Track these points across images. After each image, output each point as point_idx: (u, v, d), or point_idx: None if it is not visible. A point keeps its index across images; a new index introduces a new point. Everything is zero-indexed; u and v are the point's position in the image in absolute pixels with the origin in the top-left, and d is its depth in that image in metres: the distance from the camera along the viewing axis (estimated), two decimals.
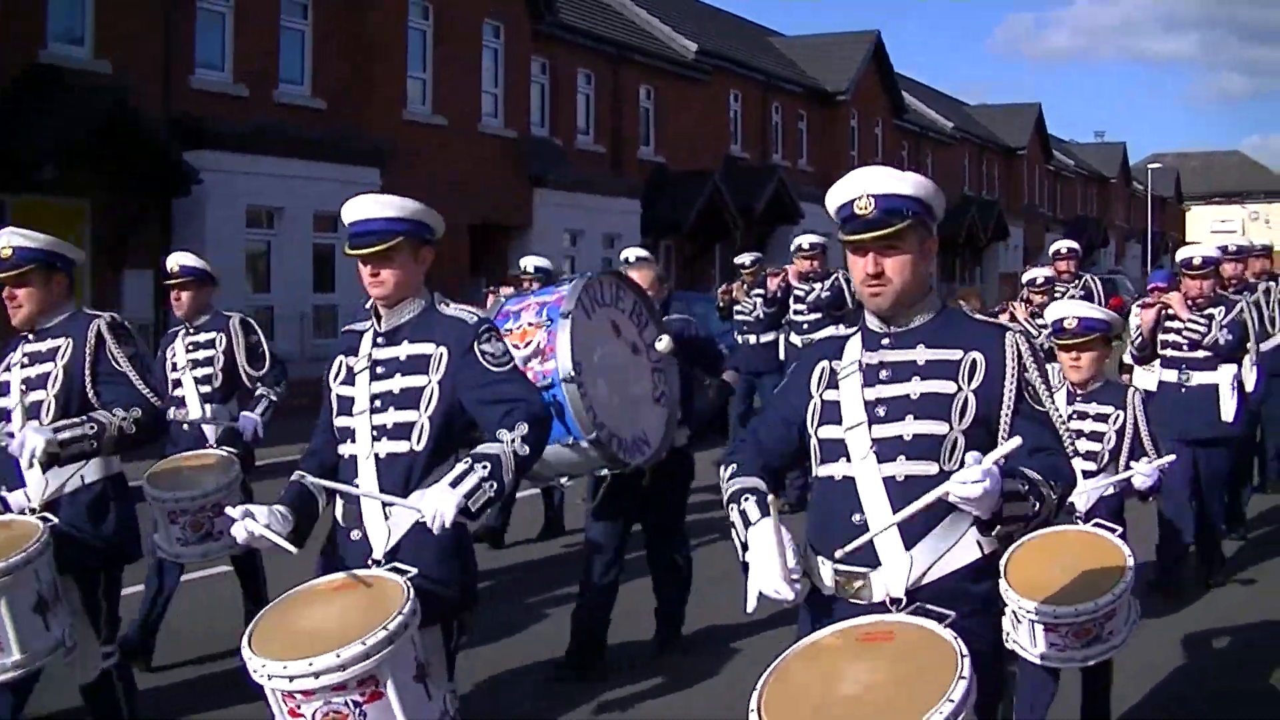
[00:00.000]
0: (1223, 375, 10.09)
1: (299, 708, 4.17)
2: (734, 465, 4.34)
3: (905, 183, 4.07)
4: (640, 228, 34.64)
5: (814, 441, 4.22)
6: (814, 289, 15.43)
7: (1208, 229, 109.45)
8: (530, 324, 7.38)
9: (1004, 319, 8.64)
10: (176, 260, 8.77)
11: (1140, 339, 10.37)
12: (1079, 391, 7.17)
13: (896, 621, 3.82)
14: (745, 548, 4.06)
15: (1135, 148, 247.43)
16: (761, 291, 15.96)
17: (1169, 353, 10.27)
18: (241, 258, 23.68)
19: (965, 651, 3.52)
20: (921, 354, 4.09)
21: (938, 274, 55.88)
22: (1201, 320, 9.97)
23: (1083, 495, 6.77)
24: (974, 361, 4.04)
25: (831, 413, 4.18)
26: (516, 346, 7.06)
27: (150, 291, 21.31)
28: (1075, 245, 15.54)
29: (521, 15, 30.98)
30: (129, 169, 20.51)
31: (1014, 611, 5.92)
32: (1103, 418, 7.08)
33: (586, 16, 36.16)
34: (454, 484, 4.52)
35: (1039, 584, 5.94)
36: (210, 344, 8.66)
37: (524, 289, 10.74)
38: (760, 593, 3.90)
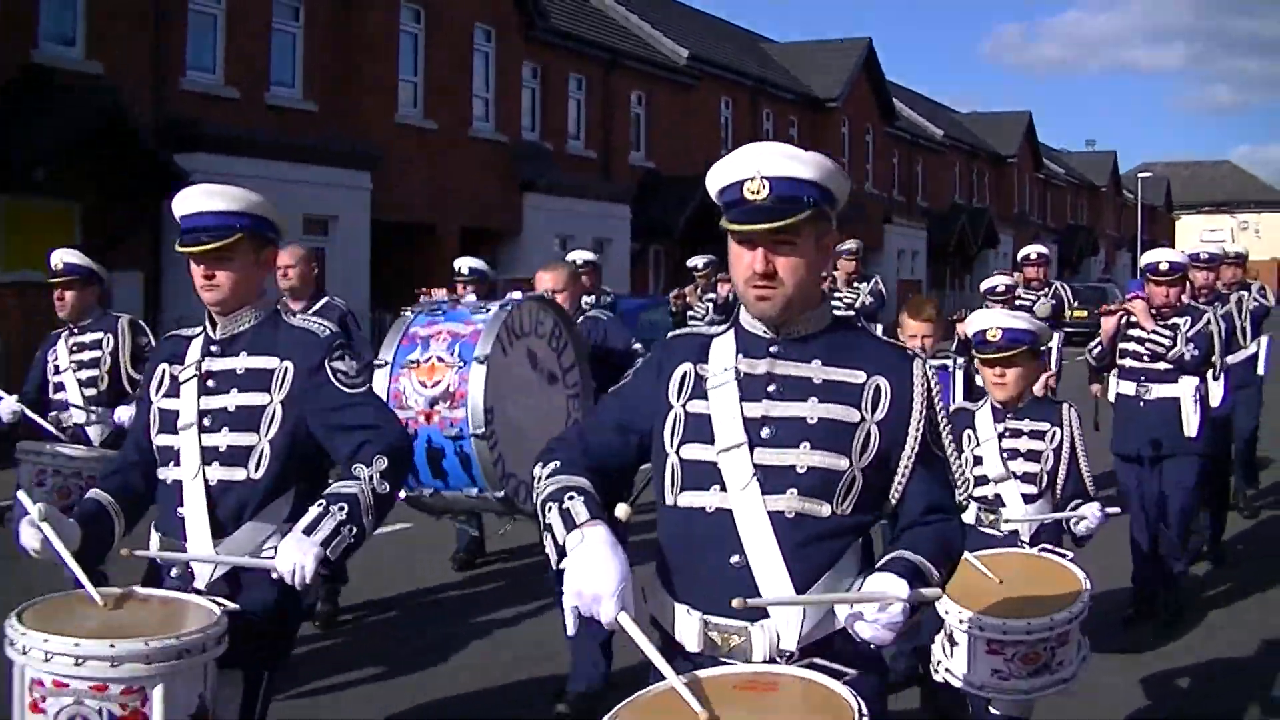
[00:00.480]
0: (1184, 388, 9.30)
1: (42, 701, 3.56)
2: (554, 463, 3.56)
3: (806, 164, 3.40)
4: (630, 233, 34.69)
5: (671, 462, 3.50)
6: (857, 292, 15.14)
7: (1197, 238, 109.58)
8: (439, 359, 6.64)
9: (960, 329, 8.38)
10: (60, 257, 8.40)
11: (1100, 348, 9.66)
12: (1008, 409, 6.51)
13: (781, 672, 3.23)
14: (561, 554, 3.32)
15: (1125, 157, 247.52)
16: (713, 296, 15.46)
17: (1128, 363, 9.48)
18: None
19: (865, 711, 2.94)
20: (819, 371, 3.45)
21: (929, 281, 56.01)
22: (1165, 331, 9.18)
23: (1025, 524, 6.40)
24: (878, 388, 3.43)
25: (698, 429, 3.48)
26: (423, 384, 6.58)
27: (141, 293, 21.31)
28: (1045, 251, 14.88)
29: (513, 20, 31.01)
30: (120, 171, 20.48)
31: (951, 631, 5.36)
32: (1038, 434, 6.46)
33: (578, 22, 36.19)
34: (308, 530, 4.01)
35: (984, 598, 5.35)
36: (96, 344, 8.37)
37: (459, 293, 10.47)
38: (579, 611, 3.22)
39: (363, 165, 25.92)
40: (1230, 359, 11.78)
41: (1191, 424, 9.28)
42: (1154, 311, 9.38)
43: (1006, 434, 6.49)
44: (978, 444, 6.56)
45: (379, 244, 26.51)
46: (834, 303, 13.38)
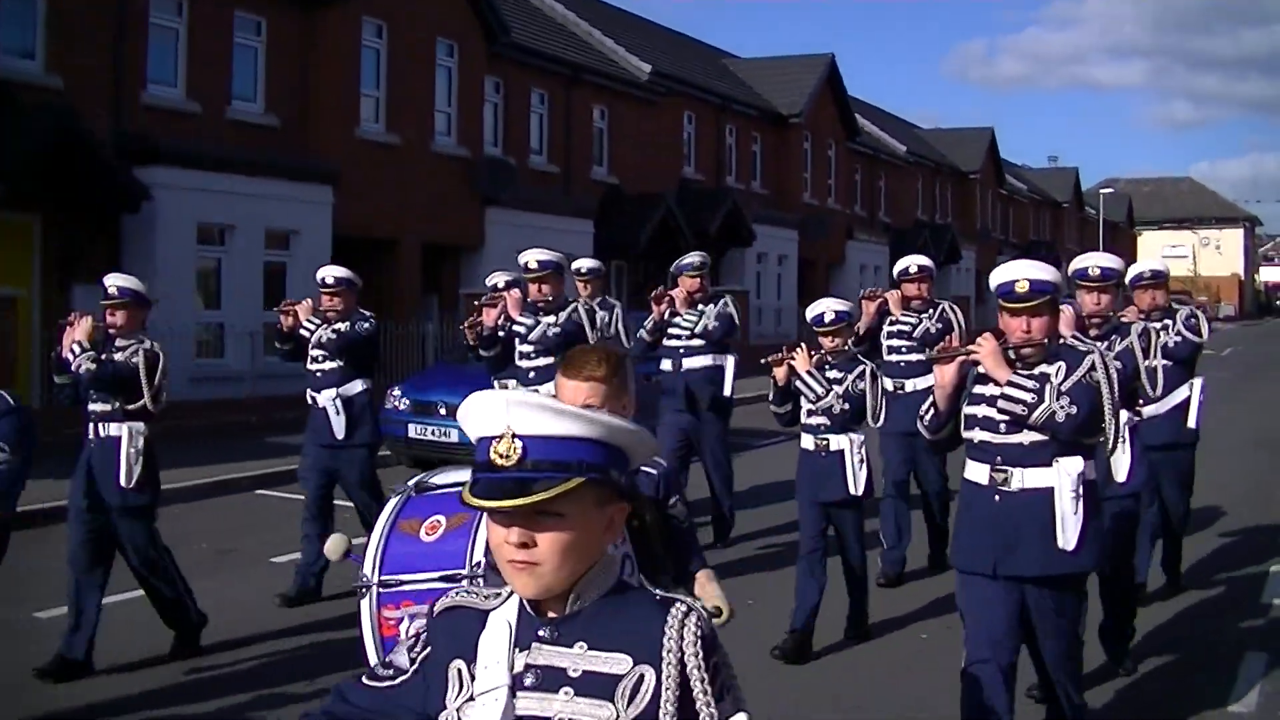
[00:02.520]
0: (1061, 475, 6.36)
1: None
2: None
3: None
4: (593, 248, 34.73)
5: None
6: (699, 316, 13.07)
7: (1159, 254, 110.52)
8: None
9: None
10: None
11: (931, 412, 6.80)
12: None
13: None
14: None
15: (1088, 173, 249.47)
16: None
17: (977, 435, 6.59)
18: (192, 275, 23.59)
19: None
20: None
21: (889, 288, 56.07)
22: (1028, 383, 6.36)
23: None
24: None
25: None
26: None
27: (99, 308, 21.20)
28: (927, 264, 12.53)
29: (475, 35, 31.00)
30: (79, 185, 20.43)
31: None
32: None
33: (541, 37, 36.23)
34: None
35: None
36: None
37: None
38: None
39: (324, 179, 25.90)
40: (1151, 410, 9.84)
41: (1069, 530, 6.35)
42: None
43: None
44: None
45: (340, 258, 26.42)
46: (673, 329, 13.12)
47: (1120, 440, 7.35)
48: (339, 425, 10.97)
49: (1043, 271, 6.44)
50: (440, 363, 23.41)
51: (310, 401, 11.22)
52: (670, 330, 13.19)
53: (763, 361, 9.56)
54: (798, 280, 46.97)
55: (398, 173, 28.18)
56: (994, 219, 74.64)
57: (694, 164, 43.22)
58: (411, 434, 17.68)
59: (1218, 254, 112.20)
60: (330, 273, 11.48)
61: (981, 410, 6.50)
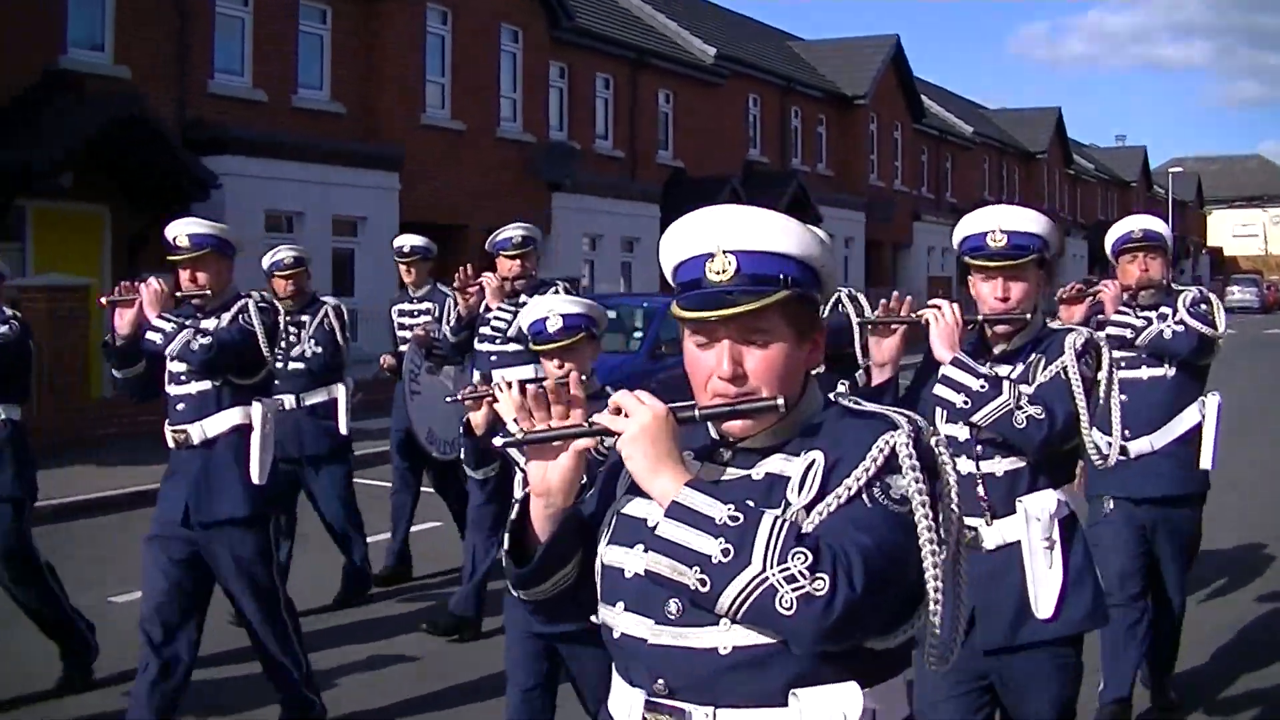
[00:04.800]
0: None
1: None
2: None
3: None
4: (659, 232, 34.60)
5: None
6: (513, 311, 9.60)
7: (1229, 233, 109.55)
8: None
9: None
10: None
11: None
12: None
13: None
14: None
15: (1155, 152, 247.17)
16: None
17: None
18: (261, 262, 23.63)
19: None
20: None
21: (958, 278, 55.79)
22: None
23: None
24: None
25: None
26: None
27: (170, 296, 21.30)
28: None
29: (539, 20, 30.96)
30: (148, 175, 20.51)
31: None
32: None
33: (604, 21, 36.14)
34: None
35: None
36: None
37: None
38: None
39: (390, 166, 25.92)
40: (1140, 445, 7.23)
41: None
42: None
43: None
44: None
45: None
46: (484, 328, 9.94)
47: (1047, 550, 5.02)
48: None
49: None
50: None
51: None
52: (481, 330, 10.14)
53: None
54: (865, 262, 46.70)
55: (463, 159, 28.17)
56: (1061, 199, 74.06)
57: (759, 147, 43.03)
58: None
59: None
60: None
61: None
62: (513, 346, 9.75)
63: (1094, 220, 77.46)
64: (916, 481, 2.65)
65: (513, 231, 10.12)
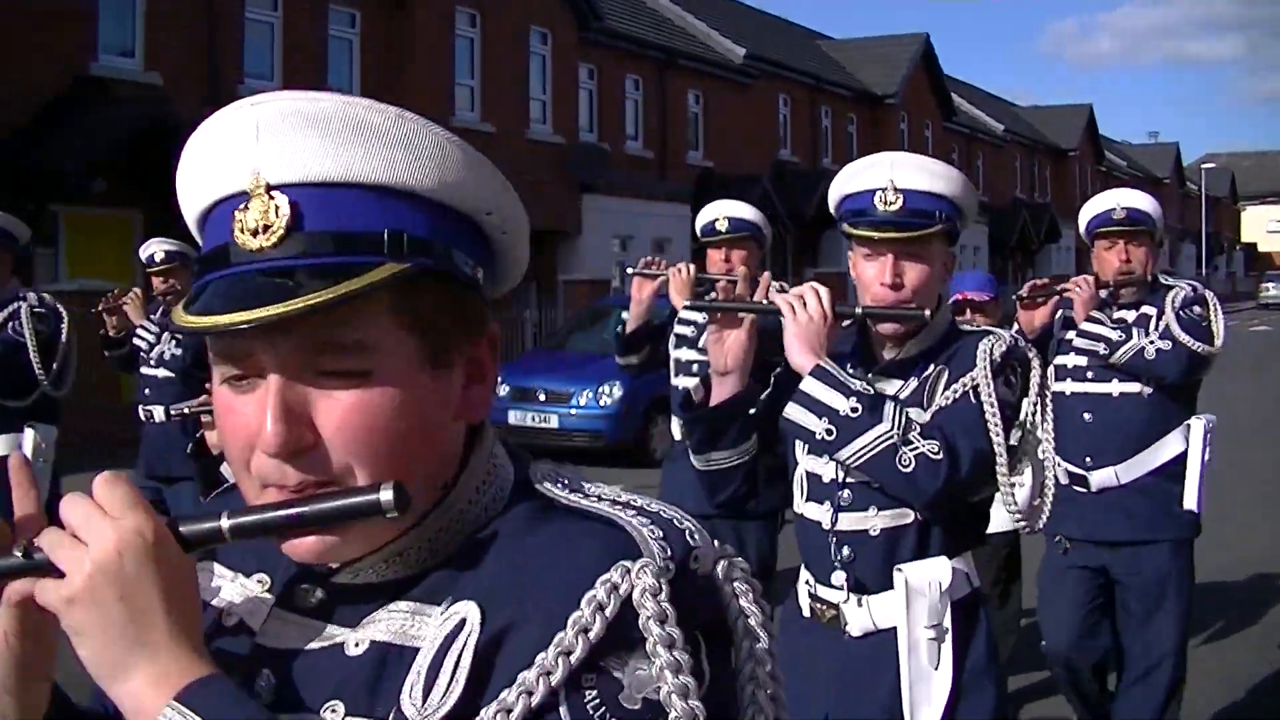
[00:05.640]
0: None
1: None
2: None
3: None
4: (689, 231, 34.57)
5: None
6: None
7: (1264, 228, 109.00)
8: None
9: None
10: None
11: None
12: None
13: None
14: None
15: (1189, 148, 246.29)
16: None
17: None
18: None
19: None
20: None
21: (989, 269, 55.58)
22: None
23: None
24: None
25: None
26: None
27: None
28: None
29: (568, 22, 30.95)
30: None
31: None
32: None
33: (633, 22, 36.09)
34: None
35: None
36: None
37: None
38: None
39: None
40: (1103, 477, 5.87)
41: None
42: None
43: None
44: None
45: None
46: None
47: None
48: None
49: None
50: (538, 348, 23.36)
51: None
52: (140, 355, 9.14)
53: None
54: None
55: (493, 161, 27.95)
56: (1093, 196, 73.56)
57: (789, 146, 42.93)
58: (511, 420, 17.59)
59: None
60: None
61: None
62: (163, 372, 8.74)
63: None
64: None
65: (154, 248, 8.98)
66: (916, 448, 3.35)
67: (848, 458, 3.42)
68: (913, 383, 3.59)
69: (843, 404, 3.39)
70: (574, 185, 30.81)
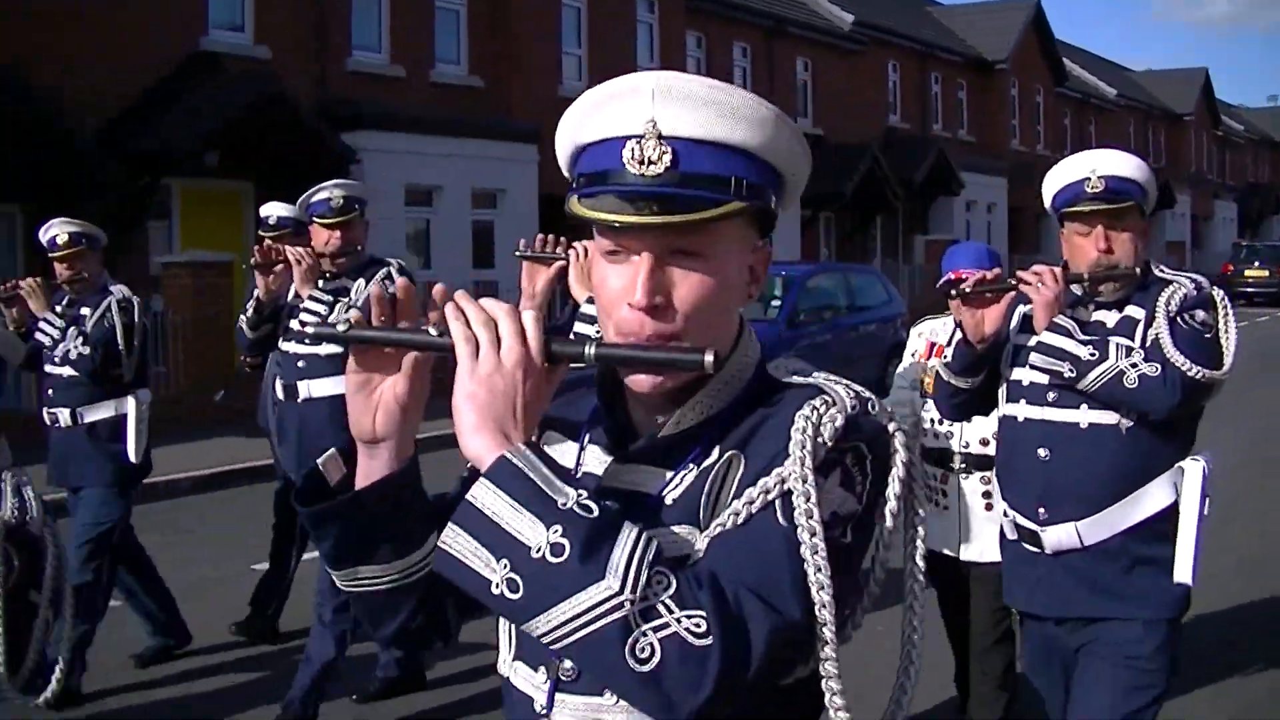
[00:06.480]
0: None
1: None
2: None
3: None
4: (800, 200, 34.37)
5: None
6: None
7: None
8: None
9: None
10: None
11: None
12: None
13: None
14: None
15: None
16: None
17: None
18: (403, 235, 23.88)
19: None
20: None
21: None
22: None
23: None
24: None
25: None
26: None
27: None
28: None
29: None
30: (288, 151, 20.73)
31: None
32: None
33: None
34: None
35: None
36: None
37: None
38: None
39: (528, 139, 25.91)
40: (1060, 535, 4.46)
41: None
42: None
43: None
44: None
45: (546, 217, 26.57)
46: (293, 321, 7.74)
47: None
48: None
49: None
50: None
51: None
52: (292, 324, 7.80)
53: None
54: (1008, 228, 46.05)
55: None
56: (1209, 162, 72.46)
57: (899, 113, 42.55)
58: None
59: None
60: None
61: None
62: (326, 349, 7.47)
63: (1243, 183, 75.75)
64: None
65: (330, 191, 7.69)
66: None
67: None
68: (690, 475, 2.04)
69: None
70: None
